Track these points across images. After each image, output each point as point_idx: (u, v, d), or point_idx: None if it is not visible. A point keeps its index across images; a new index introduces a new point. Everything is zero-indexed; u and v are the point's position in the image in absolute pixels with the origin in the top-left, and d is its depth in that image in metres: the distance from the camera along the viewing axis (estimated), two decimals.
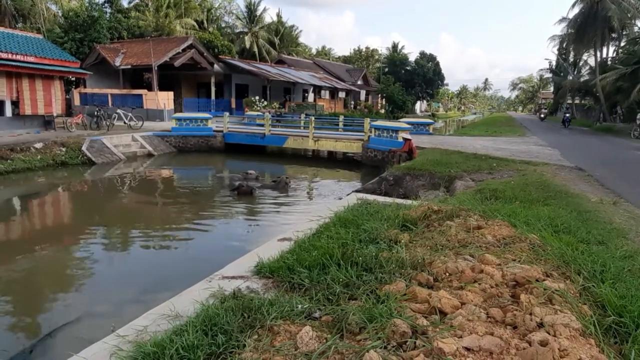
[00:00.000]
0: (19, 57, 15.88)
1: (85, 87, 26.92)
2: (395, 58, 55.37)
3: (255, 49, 45.34)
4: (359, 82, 47.10)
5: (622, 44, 32.60)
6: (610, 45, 33.65)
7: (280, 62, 41.24)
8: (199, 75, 29.85)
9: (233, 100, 30.91)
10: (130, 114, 19.86)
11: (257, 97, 29.11)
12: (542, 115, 44.60)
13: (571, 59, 43.31)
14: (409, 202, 6.59)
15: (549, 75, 55.11)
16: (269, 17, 50.27)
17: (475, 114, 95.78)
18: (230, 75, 30.74)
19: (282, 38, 50.97)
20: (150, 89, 25.91)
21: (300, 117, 23.01)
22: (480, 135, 21.72)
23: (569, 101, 43.07)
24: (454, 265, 3.26)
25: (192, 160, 17.49)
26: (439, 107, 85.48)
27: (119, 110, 20.07)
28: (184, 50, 26.27)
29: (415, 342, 2.24)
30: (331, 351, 2.24)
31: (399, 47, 63.14)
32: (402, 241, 4.12)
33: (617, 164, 12.26)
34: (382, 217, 5.12)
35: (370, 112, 40.93)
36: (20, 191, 11.58)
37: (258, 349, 2.37)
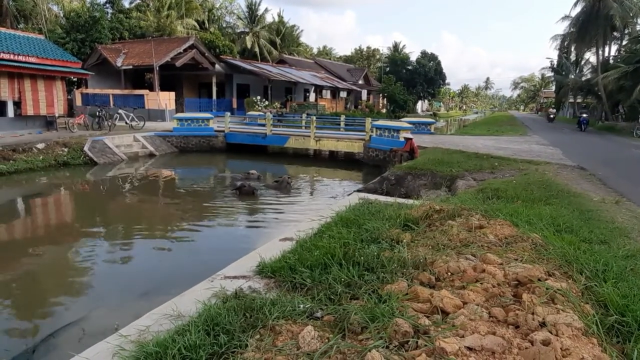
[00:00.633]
0: (21, 58, 15.91)
1: (87, 87, 26.97)
2: (397, 57, 55.35)
3: (257, 49, 45.34)
4: (361, 82, 47.07)
5: (624, 42, 32.51)
6: (612, 44, 33.57)
7: (281, 62, 41.24)
8: (201, 76, 29.88)
9: (234, 100, 30.92)
10: (131, 114, 19.89)
11: (258, 97, 29.12)
12: (552, 116, 38.57)
13: (573, 58, 43.19)
14: (410, 201, 6.59)
15: (550, 74, 54.95)
16: (270, 17, 50.18)
17: (476, 113, 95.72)
18: (232, 75, 30.76)
19: (284, 38, 50.96)
20: (151, 89, 25.94)
21: (301, 117, 23.01)
22: (482, 134, 21.68)
23: (571, 100, 42.95)
24: (455, 265, 3.26)
25: (194, 161, 17.51)
26: (440, 106, 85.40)
27: (120, 111, 20.10)
28: (185, 50, 26.29)
29: (417, 342, 2.24)
30: (333, 351, 2.24)
31: (401, 46, 63.22)
32: (404, 241, 4.12)
33: (619, 163, 12.23)
34: (383, 217, 5.11)
35: (372, 111, 40.90)
36: (22, 191, 11.61)
37: (260, 348, 2.37)
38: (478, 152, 12.80)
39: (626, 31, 31.28)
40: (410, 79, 51.87)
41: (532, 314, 2.40)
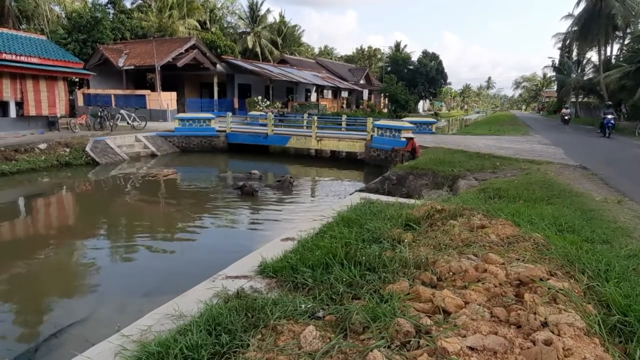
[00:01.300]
0: (23, 58, 15.95)
1: (88, 87, 27.02)
2: (398, 57, 55.34)
3: (258, 49, 45.37)
4: (362, 82, 47.06)
5: (626, 41, 32.44)
6: (614, 43, 33.53)
7: (282, 61, 41.26)
8: (202, 76, 29.91)
9: (236, 100, 30.94)
10: (133, 115, 19.92)
11: (259, 97, 29.14)
12: (567, 117, 31.98)
13: (575, 57, 43.14)
14: (412, 201, 6.58)
15: (552, 73, 54.86)
16: (272, 17, 50.19)
17: (478, 112, 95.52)
18: (233, 75, 30.78)
19: (285, 38, 50.98)
20: (153, 89, 25.99)
21: (303, 117, 23.02)
22: (484, 134, 21.66)
23: (573, 99, 42.85)
24: (457, 265, 3.26)
25: (195, 160, 17.53)
26: (441, 106, 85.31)
27: (122, 111, 20.13)
28: (186, 50, 26.33)
29: (419, 342, 2.24)
30: (335, 351, 2.24)
31: (402, 46, 63.24)
32: (406, 240, 4.11)
33: (621, 163, 12.20)
34: (385, 217, 5.11)
35: (373, 111, 40.87)
36: (25, 192, 11.64)
37: (262, 348, 2.37)
38: (480, 151, 12.79)
39: (628, 30, 31.24)
40: (412, 79, 51.85)
41: (534, 313, 2.40)
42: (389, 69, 54.05)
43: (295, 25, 54.74)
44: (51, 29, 29.72)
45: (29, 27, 30.98)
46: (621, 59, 29.68)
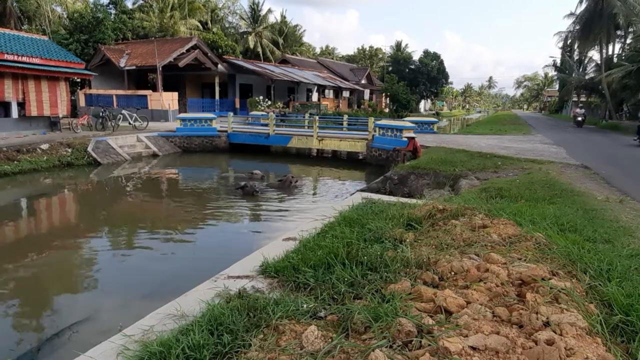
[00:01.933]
0: (24, 59, 15.98)
1: (90, 88, 27.08)
2: (399, 57, 55.26)
3: (259, 49, 45.39)
4: (363, 81, 47.04)
5: (628, 40, 32.36)
6: (616, 42, 33.44)
7: (284, 61, 41.24)
8: (203, 76, 29.93)
9: (237, 100, 30.96)
10: (135, 115, 19.95)
11: (261, 97, 29.14)
12: (580, 119, 28.15)
13: (576, 56, 43.05)
14: (413, 201, 6.58)
15: (553, 72, 54.75)
16: (273, 17, 50.18)
17: (479, 112, 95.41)
18: (234, 76, 30.80)
19: (286, 38, 50.98)
20: (154, 89, 26.03)
21: (304, 117, 23.03)
22: (485, 133, 21.62)
23: (575, 99, 42.74)
24: (459, 264, 3.26)
25: (197, 161, 17.55)
26: (443, 105, 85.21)
27: (123, 111, 20.16)
28: (188, 50, 26.36)
29: (420, 341, 2.24)
30: (337, 350, 2.24)
31: (403, 45, 63.13)
32: (407, 240, 4.11)
33: (623, 162, 12.18)
34: (386, 217, 5.11)
35: (375, 111, 40.83)
36: (27, 192, 11.66)
37: (264, 348, 2.37)
38: (481, 151, 12.78)
39: (630, 29, 31.14)
40: (413, 78, 51.78)
41: (536, 313, 2.39)
42: (390, 68, 53.97)
43: (297, 25, 54.82)
44: (53, 30, 29.77)
45: (31, 27, 31.05)
46: (623, 58, 29.60)
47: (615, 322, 2.50)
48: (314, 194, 12.38)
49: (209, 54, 27.85)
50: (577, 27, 32.47)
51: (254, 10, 47.12)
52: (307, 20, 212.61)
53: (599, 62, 33.10)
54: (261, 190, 11.26)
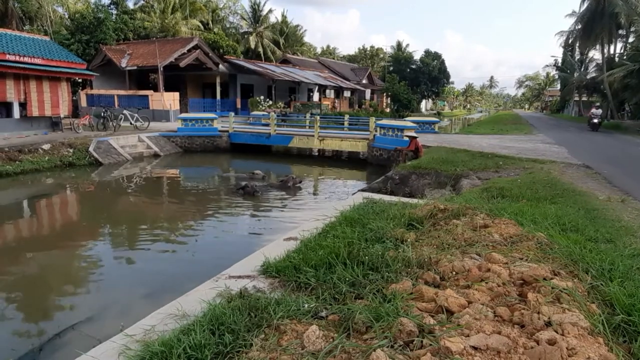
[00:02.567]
0: (26, 59, 16.01)
1: (91, 88, 27.12)
2: (400, 57, 55.24)
3: (260, 49, 45.40)
4: (364, 81, 47.01)
5: (630, 40, 32.30)
6: (617, 42, 33.39)
7: (285, 61, 41.25)
8: (204, 76, 29.95)
9: (238, 100, 30.98)
10: (136, 115, 19.97)
11: (262, 97, 29.15)
12: (596, 121, 24.42)
13: (578, 56, 42.96)
14: (415, 201, 6.58)
15: (555, 72, 54.66)
16: (274, 17, 50.22)
17: (481, 112, 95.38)
18: (236, 76, 30.81)
19: (287, 38, 51.00)
20: (156, 89, 26.05)
21: (305, 117, 23.03)
22: (486, 133, 21.61)
23: (576, 98, 42.64)
24: (460, 264, 3.25)
25: (198, 160, 17.56)
26: (444, 105, 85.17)
27: (125, 111, 20.18)
28: (189, 50, 26.38)
29: (422, 341, 2.24)
30: (338, 350, 2.24)
31: (404, 45, 63.08)
32: (409, 240, 4.11)
33: (625, 162, 12.16)
34: (388, 216, 5.11)
35: (376, 111, 40.84)
36: (29, 192, 11.68)
37: (265, 348, 2.37)
38: (482, 151, 12.76)
39: (632, 29, 31.09)
40: (414, 78, 51.76)
41: (538, 313, 2.39)
42: (392, 68, 53.94)
43: (298, 25, 54.83)
44: (54, 30, 29.83)
45: (32, 28, 31.08)
46: (625, 58, 29.54)
47: (617, 322, 2.50)
48: (315, 193, 12.37)
49: (210, 54, 27.86)
50: (579, 27, 32.40)
51: (255, 11, 47.15)
52: (308, 20, 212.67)
53: (601, 61, 33.04)
54: (262, 190, 11.26)
